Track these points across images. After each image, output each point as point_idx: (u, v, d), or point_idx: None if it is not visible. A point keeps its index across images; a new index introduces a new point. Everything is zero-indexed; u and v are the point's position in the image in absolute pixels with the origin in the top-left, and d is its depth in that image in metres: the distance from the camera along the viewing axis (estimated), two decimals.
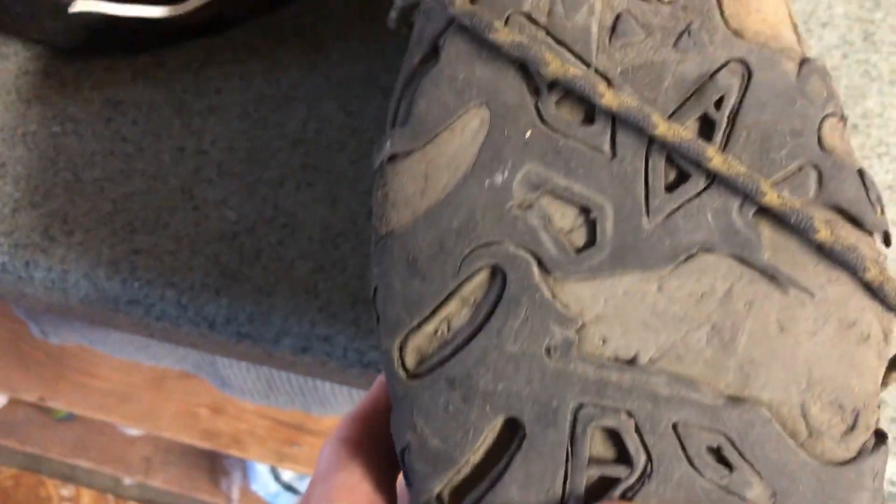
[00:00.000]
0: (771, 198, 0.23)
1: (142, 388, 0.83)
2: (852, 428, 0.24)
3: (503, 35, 0.24)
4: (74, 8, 0.36)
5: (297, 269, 0.37)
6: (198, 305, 0.36)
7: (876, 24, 0.43)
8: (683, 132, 0.24)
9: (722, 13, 0.25)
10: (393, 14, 0.29)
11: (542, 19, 0.25)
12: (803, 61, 0.25)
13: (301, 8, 0.43)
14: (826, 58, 0.42)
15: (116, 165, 0.39)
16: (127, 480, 1.12)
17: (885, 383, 0.25)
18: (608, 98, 0.24)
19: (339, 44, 0.42)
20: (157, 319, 0.37)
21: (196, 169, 0.39)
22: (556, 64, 0.24)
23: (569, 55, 0.24)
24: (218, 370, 0.62)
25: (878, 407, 0.25)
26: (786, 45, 0.25)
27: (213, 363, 0.61)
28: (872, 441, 0.24)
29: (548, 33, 0.25)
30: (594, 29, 0.25)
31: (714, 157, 0.23)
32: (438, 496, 0.24)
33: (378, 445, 0.26)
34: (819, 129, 0.24)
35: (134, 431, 1.02)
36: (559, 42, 0.25)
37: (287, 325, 0.36)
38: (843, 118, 0.25)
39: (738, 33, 0.25)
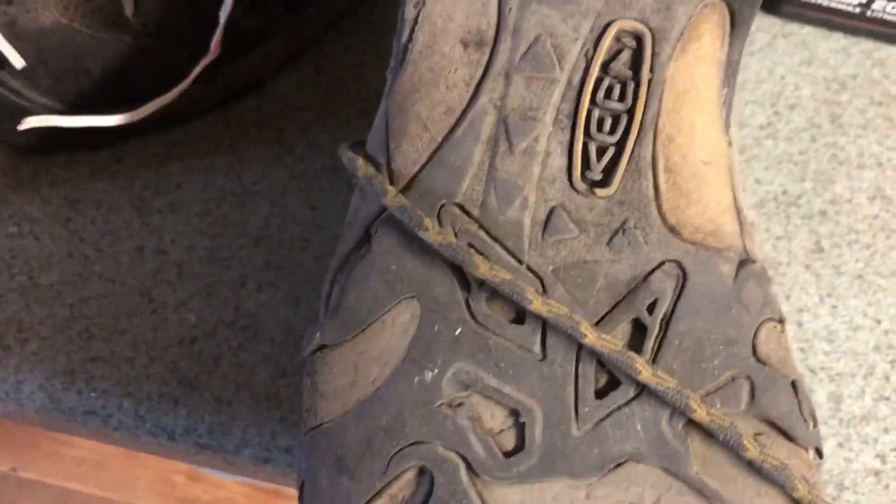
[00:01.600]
0: (700, 414, 0.23)
1: (116, 455, 0.81)
2: None
3: (433, 235, 0.24)
4: (24, 126, 0.35)
5: (258, 375, 0.36)
6: (156, 416, 0.35)
7: (843, 106, 0.43)
8: (612, 344, 0.23)
9: (659, 207, 0.24)
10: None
11: (475, 211, 0.24)
12: (742, 263, 0.24)
13: (263, 98, 0.43)
14: (794, 141, 0.42)
15: (74, 268, 0.38)
16: None
17: None
18: (537, 305, 0.23)
19: (303, 136, 0.42)
20: (114, 430, 0.36)
21: (155, 270, 0.38)
22: (485, 268, 0.23)
23: (501, 251, 0.24)
24: None
25: None
26: (726, 242, 0.24)
27: None
28: None
29: (480, 226, 0.24)
30: (527, 223, 0.24)
31: (643, 370, 0.23)
32: None
33: None
34: (754, 337, 0.24)
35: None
36: (491, 236, 0.24)
37: (247, 436, 0.35)
38: (781, 321, 0.25)
39: (674, 230, 0.24)
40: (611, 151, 0.24)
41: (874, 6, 0.43)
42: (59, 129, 0.39)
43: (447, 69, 0.25)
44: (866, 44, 0.45)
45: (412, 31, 0.25)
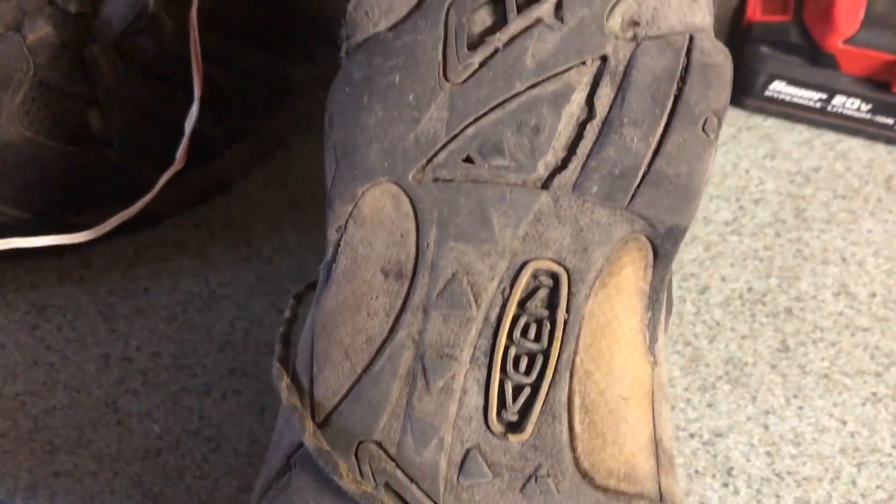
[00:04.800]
0: None
1: None
2: None
3: (348, 482, 0.24)
4: None
5: (221, 488, 0.36)
6: None
7: (807, 199, 0.44)
8: None
9: (574, 451, 0.24)
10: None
11: (392, 450, 0.25)
12: None
13: (232, 198, 0.43)
14: (759, 237, 0.42)
15: (39, 377, 0.38)
16: None
17: None
18: None
19: (271, 236, 0.42)
20: None
21: (121, 379, 0.38)
22: None
23: (417, 492, 0.24)
24: None
25: None
26: (639, 485, 0.25)
27: None
28: None
29: (397, 465, 0.25)
30: (442, 465, 0.24)
31: None
32: None
33: None
34: None
35: None
36: (408, 476, 0.24)
37: None
38: None
39: (588, 475, 0.24)
40: (527, 392, 0.25)
41: (834, 102, 0.44)
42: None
43: (368, 296, 0.25)
44: (829, 136, 0.46)
45: (335, 253, 0.26)
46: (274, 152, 0.44)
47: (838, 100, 0.44)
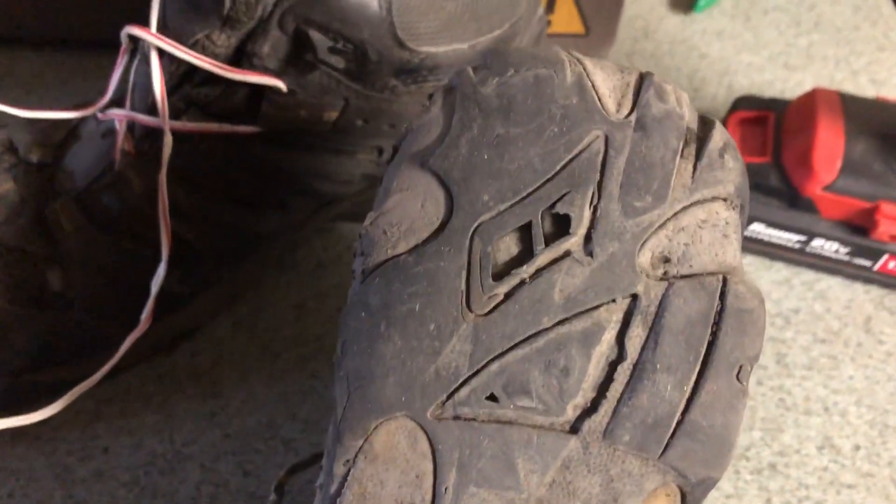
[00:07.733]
0: None
1: None
2: None
3: None
4: None
5: None
6: None
7: (787, 343, 0.43)
8: None
9: None
10: None
11: None
12: None
13: (198, 345, 0.41)
14: None
15: None
16: None
17: None
18: None
19: (238, 388, 0.40)
20: None
21: None
22: None
23: None
24: None
25: None
26: None
27: None
28: None
29: None
30: None
31: None
32: None
33: None
34: None
35: None
36: None
37: None
38: None
39: None
40: None
41: (813, 244, 0.44)
42: None
43: None
44: (807, 274, 0.45)
45: (341, 486, 0.24)
46: (244, 295, 0.42)
47: (817, 242, 0.43)
